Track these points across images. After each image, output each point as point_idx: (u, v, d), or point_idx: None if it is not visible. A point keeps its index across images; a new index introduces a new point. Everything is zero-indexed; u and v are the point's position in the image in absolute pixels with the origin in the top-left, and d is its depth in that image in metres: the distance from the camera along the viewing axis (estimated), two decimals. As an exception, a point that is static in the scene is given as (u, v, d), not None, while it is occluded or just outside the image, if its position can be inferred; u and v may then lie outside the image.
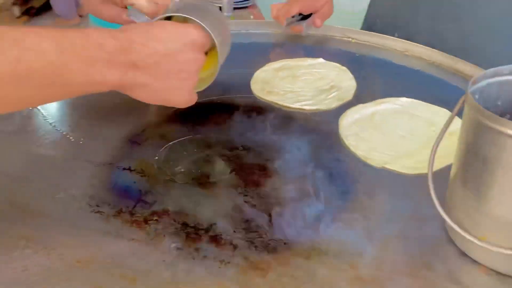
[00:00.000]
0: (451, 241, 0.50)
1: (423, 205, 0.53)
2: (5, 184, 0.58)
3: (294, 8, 0.95)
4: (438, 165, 0.59)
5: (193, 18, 0.53)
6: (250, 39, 1.00)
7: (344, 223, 0.53)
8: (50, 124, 0.69)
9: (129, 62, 0.45)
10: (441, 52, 0.88)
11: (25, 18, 3.10)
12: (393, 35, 0.97)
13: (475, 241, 0.44)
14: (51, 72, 0.41)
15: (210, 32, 0.53)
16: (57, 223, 0.52)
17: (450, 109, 0.49)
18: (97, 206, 0.54)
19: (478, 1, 0.90)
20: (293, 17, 0.96)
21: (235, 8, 1.73)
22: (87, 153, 0.63)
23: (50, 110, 0.72)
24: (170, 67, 0.48)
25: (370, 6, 1.12)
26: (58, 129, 0.68)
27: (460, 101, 0.46)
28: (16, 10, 3.01)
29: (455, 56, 0.87)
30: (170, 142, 0.65)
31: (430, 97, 0.76)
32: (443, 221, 0.48)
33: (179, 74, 0.49)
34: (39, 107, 0.72)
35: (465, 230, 0.46)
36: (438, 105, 0.73)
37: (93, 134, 0.67)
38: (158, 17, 0.54)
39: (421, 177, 0.53)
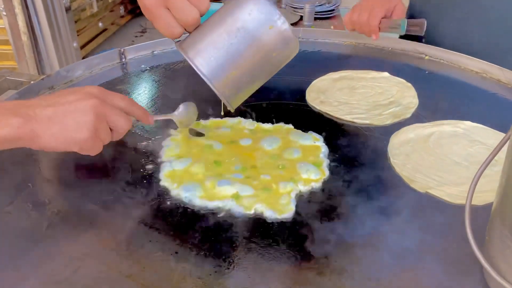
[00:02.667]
0: (485, 284, 0.44)
1: (461, 239, 0.48)
2: (63, 163, 0.63)
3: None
4: (489, 198, 0.53)
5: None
6: (316, 47, 0.98)
7: (369, 246, 0.49)
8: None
9: (29, 113, 0.48)
10: (522, 77, 0.79)
11: (128, 16, 3.36)
12: (421, 41, 0.94)
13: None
14: None
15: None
16: (90, 202, 0.55)
17: None
18: (131, 191, 0.57)
19: (507, 4, 0.87)
20: None
21: (316, 18, 1.72)
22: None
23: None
24: (64, 109, 0.49)
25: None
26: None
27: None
28: (122, 9, 3.28)
29: (482, 59, 0.85)
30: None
31: (501, 123, 0.69)
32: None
33: (74, 113, 0.50)
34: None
35: (500, 274, 0.40)
36: (508, 134, 0.66)
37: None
38: None
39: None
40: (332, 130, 0.70)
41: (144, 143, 0.65)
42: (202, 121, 0.69)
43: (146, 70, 0.88)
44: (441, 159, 0.62)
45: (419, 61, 0.92)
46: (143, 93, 0.80)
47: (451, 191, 0.56)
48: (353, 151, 0.65)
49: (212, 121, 0.70)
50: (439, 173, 0.59)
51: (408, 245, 0.49)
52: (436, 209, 0.55)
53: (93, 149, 0.52)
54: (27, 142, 0.48)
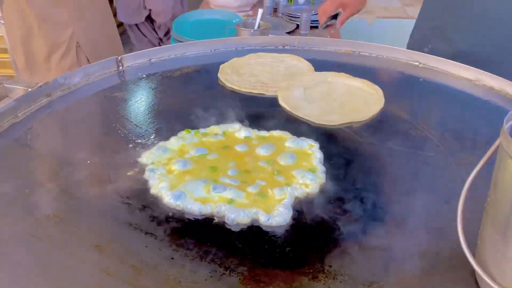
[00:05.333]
0: (477, 286, 0.45)
1: (454, 244, 0.49)
2: (60, 169, 0.64)
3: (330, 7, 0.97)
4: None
5: None
6: (311, 56, 0.99)
7: (363, 251, 0.50)
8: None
9: None
10: (515, 84, 0.80)
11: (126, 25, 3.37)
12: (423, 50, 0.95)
13: (500, 290, 0.40)
14: None
15: None
16: (86, 208, 0.55)
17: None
18: (127, 197, 0.57)
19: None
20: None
21: (312, 27, 1.73)
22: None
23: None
24: None
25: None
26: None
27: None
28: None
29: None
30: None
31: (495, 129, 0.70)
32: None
33: None
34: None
35: (491, 276, 0.41)
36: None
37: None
38: None
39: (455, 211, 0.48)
40: (328, 137, 0.71)
41: (138, 148, 0.66)
42: (201, 129, 0.70)
43: (143, 77, 0.89)
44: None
45: (413, 68, 0.94)
46: (140, 100, 0.81)
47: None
48: (348, 157, 0.66)
49: (211, 128, 0.70)
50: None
51: (401, 249, 0.50)
52: (433, 214, 0.55)
53: None
54: None
